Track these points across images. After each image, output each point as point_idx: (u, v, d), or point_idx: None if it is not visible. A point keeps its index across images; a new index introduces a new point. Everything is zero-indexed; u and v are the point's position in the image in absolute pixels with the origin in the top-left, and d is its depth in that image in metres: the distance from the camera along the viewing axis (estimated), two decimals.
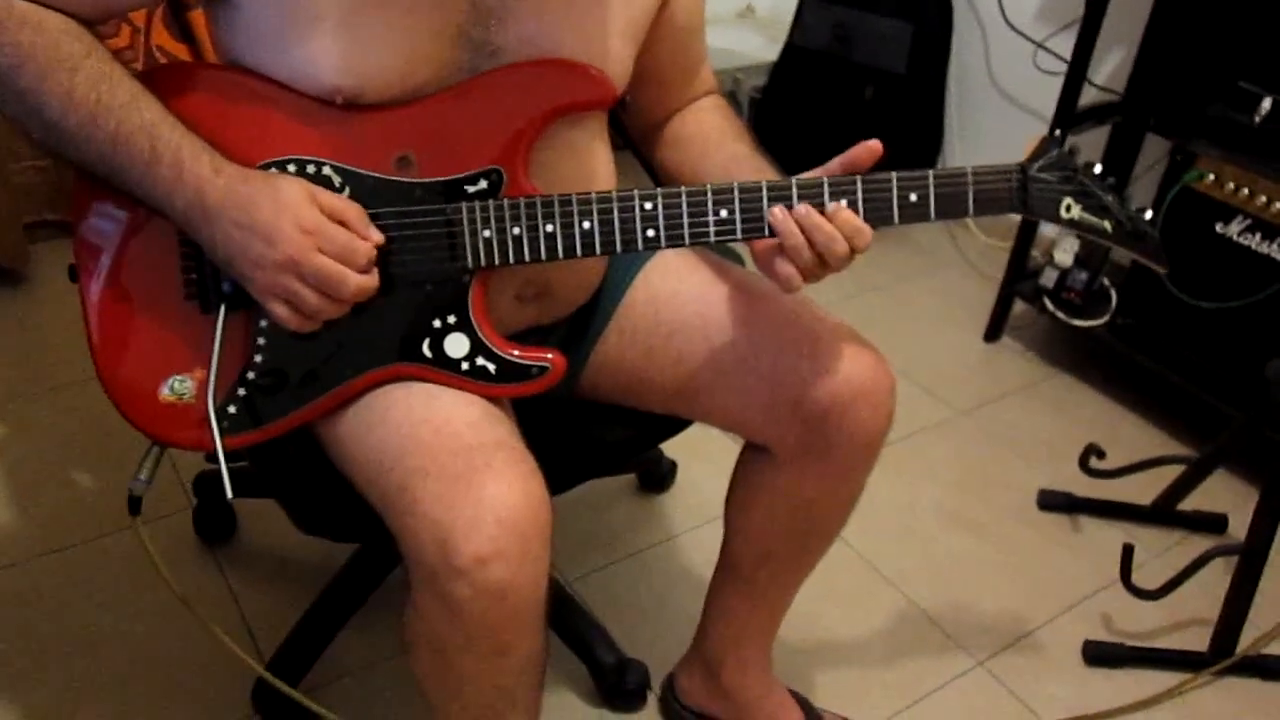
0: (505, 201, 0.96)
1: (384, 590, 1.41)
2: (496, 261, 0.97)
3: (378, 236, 0.93)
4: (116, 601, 1.51)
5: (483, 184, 0.96)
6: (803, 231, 0.94)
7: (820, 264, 0.96)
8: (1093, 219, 1.00)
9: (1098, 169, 1.00)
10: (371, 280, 0.93)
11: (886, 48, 2.56)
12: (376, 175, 0.95)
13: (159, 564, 1.14)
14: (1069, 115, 2.05)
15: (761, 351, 1.09)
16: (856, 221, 0.95)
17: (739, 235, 0.97)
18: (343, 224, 0.91)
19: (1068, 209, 1.00)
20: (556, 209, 0.96)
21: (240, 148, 0.92)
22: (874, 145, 0.95)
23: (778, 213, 0.95)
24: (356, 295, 0.92)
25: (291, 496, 1.12)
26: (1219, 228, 1.87)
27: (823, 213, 0.95)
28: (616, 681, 1.42)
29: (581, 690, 1.44)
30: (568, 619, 1.45)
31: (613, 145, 1.11)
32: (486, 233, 0.96)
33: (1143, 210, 1.02)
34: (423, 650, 0.99)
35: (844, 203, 0.95)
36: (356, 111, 0.94)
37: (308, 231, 0.89)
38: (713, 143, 1.14)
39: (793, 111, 2.73)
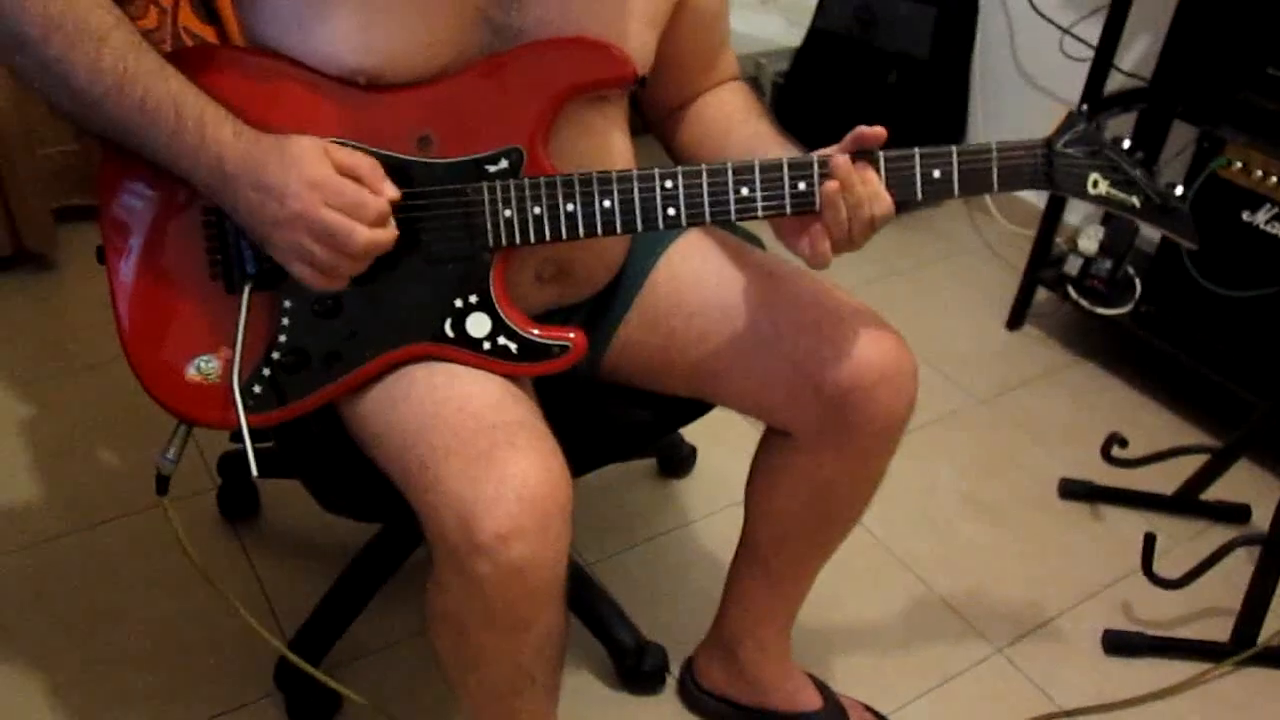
0: (526, 181, 0.96)
1: (405, 570, 1.42)
2: (518, 241, 0.97)
3: (392, 192, 0.93)
4: (141, 579, 1.53)
5: (503, 163, 0.96)
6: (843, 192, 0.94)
7: (846, 233, 0.96)
8: (1120, 194, 0.99)
9: (1126, 144, 0.99)
10: (384, 235, 0.92)
11: (910, 32, 2.54)
12: (398, 155, 0.96)
13: (185, 542, 1.16)
14: (1096, 101, 2.04)
15: (783, 334, 1.09)
16: (877, 185, 0.95)
17: (760, 213, 0.97)
18: (356, 178, 0.91)
19: (1094, 184, 0.99)
20: (577, 188, 0.96)
21: (262, 130, 0.92)
22: (878, 132, 0.95)
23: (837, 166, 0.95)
24: (368, 249, 0.91)
25: (315, 476, 1.13)
26: (1246, 215, 1.85)
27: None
28: (635, 664, 1.42)
29: (600, 672, 1.45)
30: (587, 601, 1.46)
31: (634, 130, 1.11)
32: (507, 212, 0.96)
33: (1172, 185, 1.00)
34: (444, 626, 1.00)
35: (866, 165, 0.96)
36: (377, 92, 0.95)
37: (314, 186, 0.89)
38: (735, 122, 1.14)
39: (816, 96, 2.72)
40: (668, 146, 1.21)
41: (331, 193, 0.89)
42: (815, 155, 0.97)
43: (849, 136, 0.97)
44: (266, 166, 0.89)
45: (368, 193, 0.91)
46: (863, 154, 0.96)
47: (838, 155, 0.95)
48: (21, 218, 2.07)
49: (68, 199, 2.18)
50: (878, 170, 0.96)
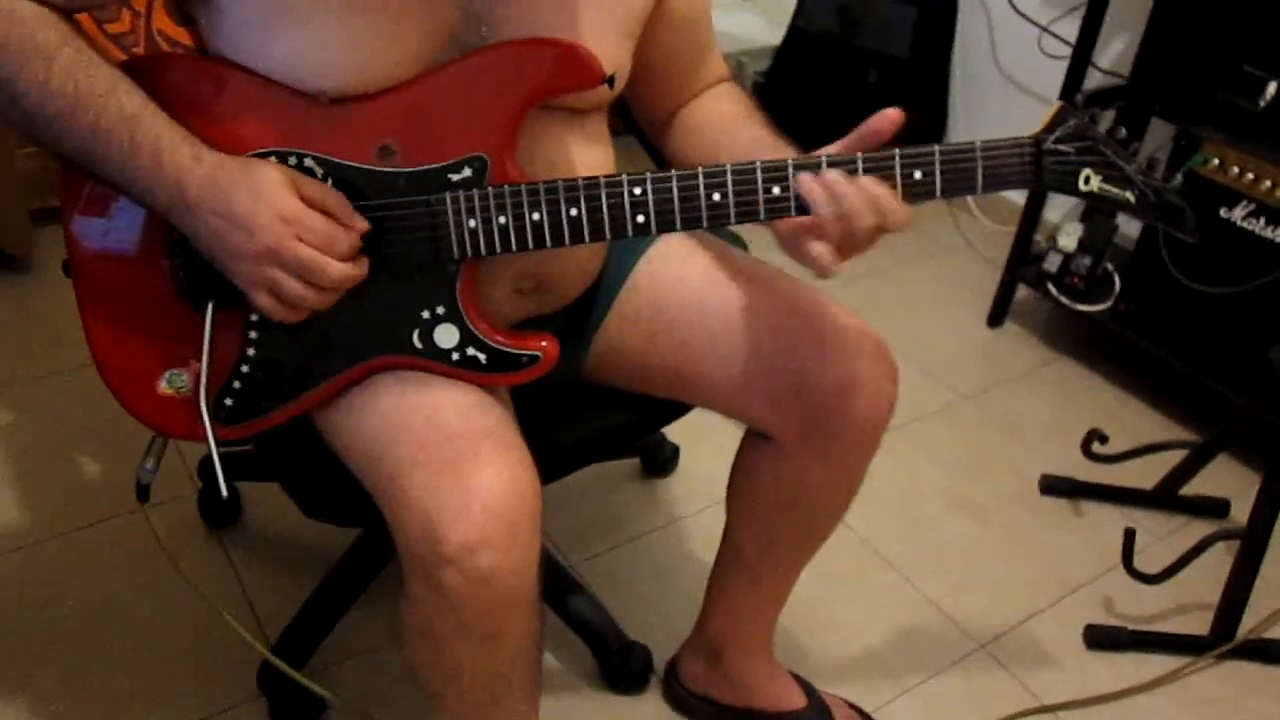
0: (490, 190, 0.93)
1: (389, 573, 1.41)
2: (483, 251, 0.95)
3: (362, 224, 0.92)
4: (123, 584, 1.52)
5: (466, 172, 0.93)
6: (833, 200, 0.90)
7: (849, 238, 0.92)
8: (1114, 190, 0.95)
9: (1121, 133, 0.95)
10: (356, 269, 0.91)
11: (891, 31, 2.55)
12: (359, 166, 0.93)
13: (166, 548, 1.15)
14: (1073, 99, 2.05)
15: (763, 338, 1.09)
16: (888, 197, 0.90)
17: (733, 219, 0.95)
18: (325, 212, 0.90)
19: (1086, 181, 0.95)
20: (542, 197, 0.93)
21: (221, 141, 0.90)
22: (895, 115, 0.91)
23: (805, 179, 0.91)
24: (340, 283, 0.90)
25: (295, 481, 1.13)
26: (1223, 212, 1.86)
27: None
28: (620, 664, 1.42)
29: (585, 672, 1.45)
30: (571, 602, 1.46)
31: (615, 130, 1.10)
32: (471, 222, 0.94)
33: (1170, 178, 0.96)
34: (418, 638, 0.99)
35: (873, 178, 0.91)
36: (338, 101, 0.93)
37: (286, 220, 0.87)
38: (728, 130, 1.11)
39: (796, 96, 2.72)
40: (664, 158, 1.19)
41: (304, 228, 0.88)
42: (790, 160, 0.94)
43: (855, 132, 0.93)
44: (232, 196, 0.87)
45: (339, 227, 0.90)
46: (842, 160, 0.93)
47: (803, 175, 0.92)
48: None
49: (44, 201, 2.16)
50: (855, 174, 0.92)
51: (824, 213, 0.91)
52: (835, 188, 0.91)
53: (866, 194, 0.91)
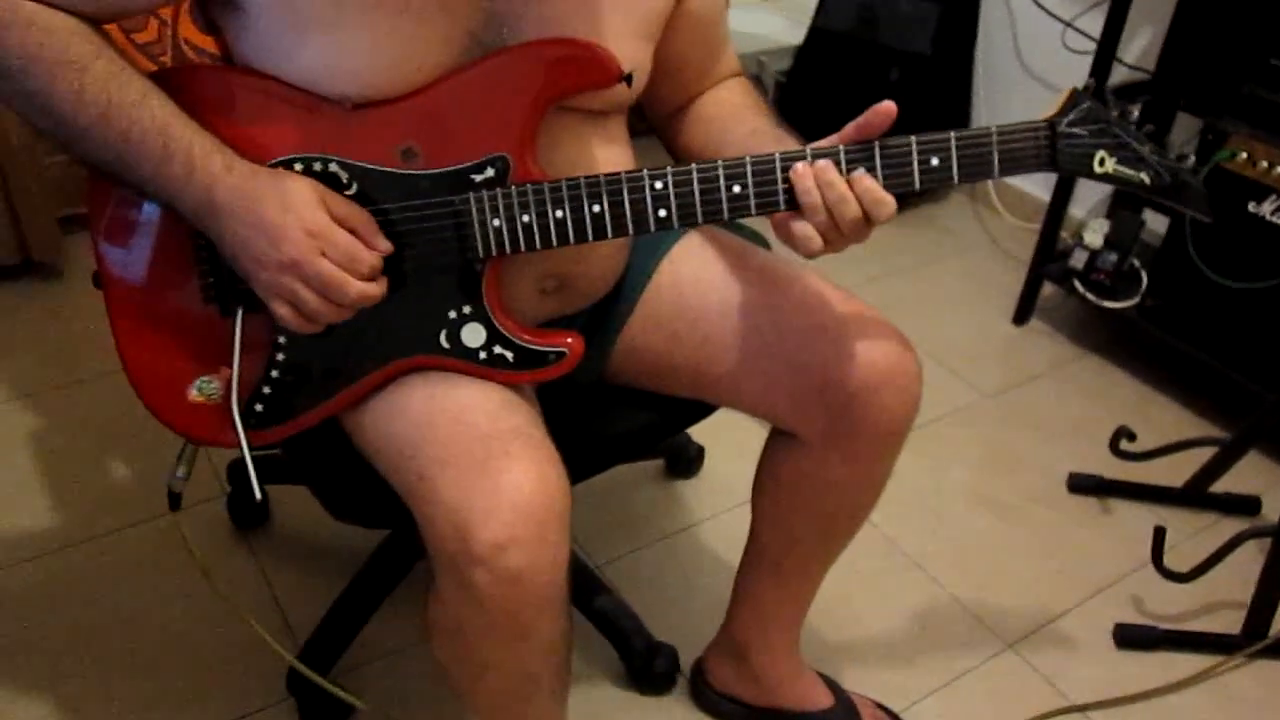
0: (513, 189, 0.94)
1: (416, 575, 1.42)
2: (508, 250, 0.96)
3: (385, 245, 0.93)
4: (152, 588, 1.53)
5: (489, 172, 0.94)
6: (818, 189, 0.92)
7: (835, 228, 0.93)
8: (1128, 172, 0.95)
9: (1135, 115, 0.95)
10: (375, 289, 0.92)
11: (912, 29, 2.53)
12: (383, 169, 0.94)
13: (198, 558, 1.16)
14: (1099, 94, 2.03)
15: (786, 337, 1.09)
16: (878, 191, 0.92)
17: (753, 210, 0.95)
18: (351, 230, 0.91)
19: (1101, 163, 0.95)
20: (565, 194, 0.94)
21: (246, 147, 0.92)
22: (888, 107, 0.92)
23: (800, 168, 0.93)
24: (358, 302, 0.91)
25: (322, 483, 1.14)
26: (1251, 207, 1.84)
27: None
28: (646, 664, 1.42)
29: (611, 673, 1.45)
30: (597, 602, 1.46)
31: (635, 131, 1.11)
32: (496, 221, 0.95)
33: (1184, 158, 0.96)
34: (445, 637, 1.00)
35: (863, 170, 0.92)
36: (361, 106, 0.94)
37: (312, 234, 0.89)
38: (733, 119, 1.12)
39: (818, 95, 2.72)
40: (671, 150, 1.20)
41: (329, 244, 0.89)
42: (809, 148, 0.94)
43: (851, 125, 0.94)
44: (264, 205, 0.88)
45: (362, 246, 0.91)
46: (859, 148, 0.93)
47: (799, 164, 0.93)
48: (28, 227, 2.08)
49: (73, 207, 2.18)
50: (872, 162, 0.93)
51: (808, 200, 0.92)
52: (823, 176, 0.92)
53: (858, 188, 0.92)
